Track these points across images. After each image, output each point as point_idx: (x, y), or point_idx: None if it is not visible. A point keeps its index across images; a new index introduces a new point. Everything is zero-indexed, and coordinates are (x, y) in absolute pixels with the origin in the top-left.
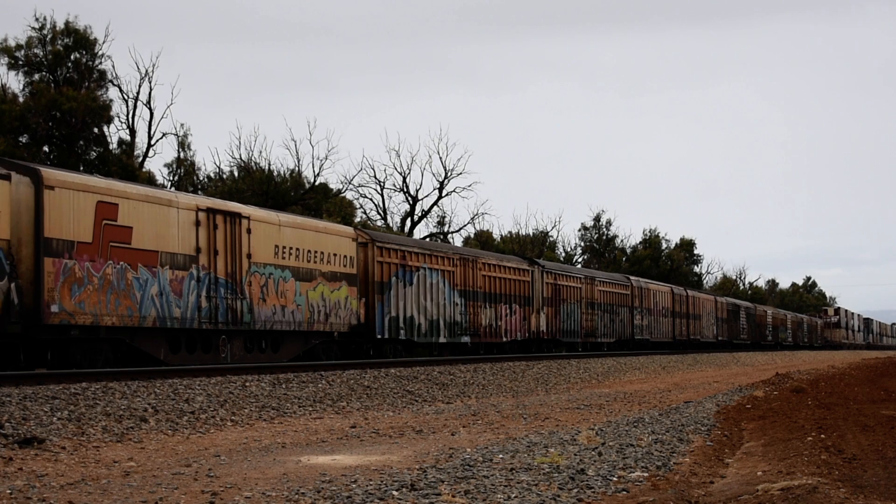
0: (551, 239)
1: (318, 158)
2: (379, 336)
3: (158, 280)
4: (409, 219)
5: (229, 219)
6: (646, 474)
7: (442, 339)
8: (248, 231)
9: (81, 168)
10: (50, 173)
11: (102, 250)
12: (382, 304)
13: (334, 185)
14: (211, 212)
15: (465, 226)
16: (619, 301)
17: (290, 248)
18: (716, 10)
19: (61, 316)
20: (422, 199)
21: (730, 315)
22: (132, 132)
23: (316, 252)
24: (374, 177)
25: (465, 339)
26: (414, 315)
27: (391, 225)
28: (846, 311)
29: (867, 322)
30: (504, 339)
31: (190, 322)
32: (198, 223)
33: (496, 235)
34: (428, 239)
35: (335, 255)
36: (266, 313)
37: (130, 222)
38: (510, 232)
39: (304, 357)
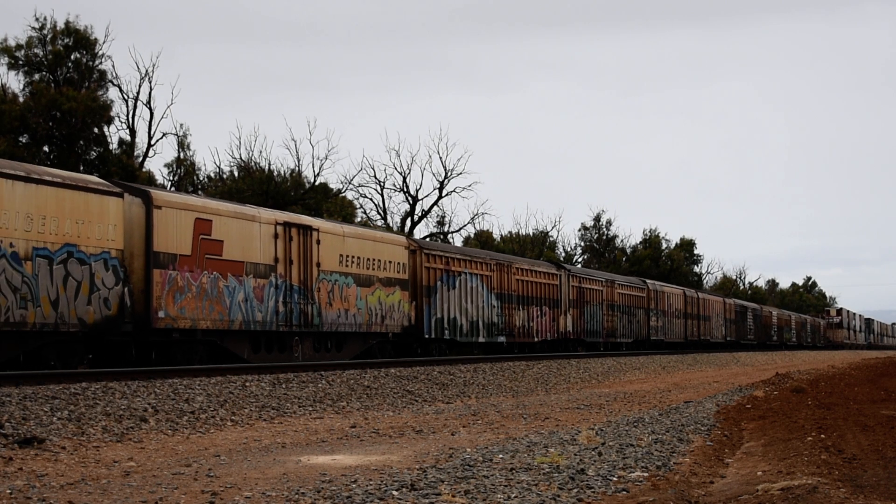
0: (551, 239)
1: (318, 158)
2: (427, 336)
3: (244, 288)
4: (409, 219)
5: (302, 231)
6: (646, 474)
7: (481, 339)
8: (318, 242)
9: (81, 168)
10: (158, 194)
11: (199, 262)
12: (429, 307)
13: (334, 185)
14: (287, 225)
15: (465, 226)
16: (636, 303)
17: (353, 257)
18: (715, 10)
19: (166, 321)
20: (422, 199)
21: (737, 316)
22: (132, 132)
23: (374, 260)
24: (374, 177)
25: (501, 339)
26: (456, 316)
27: (391, 225)
28: (848, 311)
29: (868, 322)
30: (535, 339)
31: (269, 325)
32: (276, 236)
33: (496, 235)
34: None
35: (390, 262)
36: (332, 316)
37: (222, 236)
38: (510, 232)
39: (363, 356)
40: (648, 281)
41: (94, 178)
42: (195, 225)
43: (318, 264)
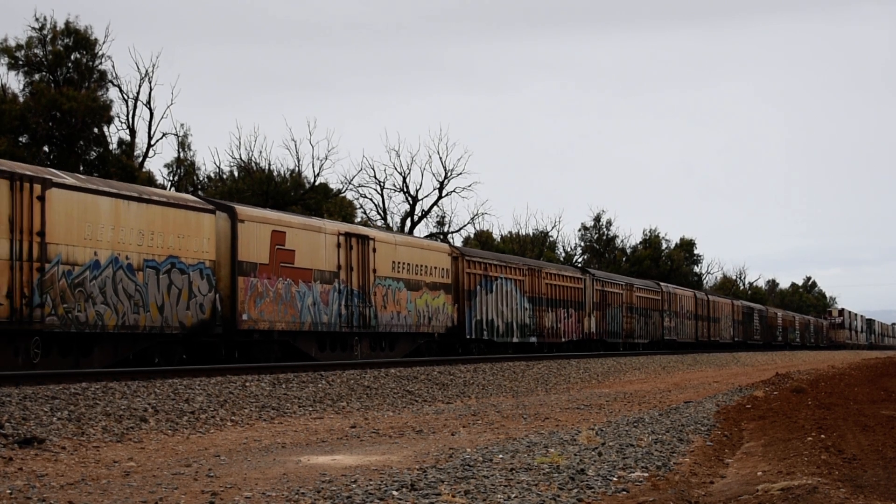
0: (551, 239)
1: (318, 158)
2: (468, 336)
3: (312, 292)
4: (409, 219)
5: (360, 241)
6: (646, 474)
7: (515, 340)
8: (374, 250)
9: (81, 168)
10: (241, 209)
11: (275, 269)
12: (470, 310)
13: (334, 185)
14: (348, 235)
15: (465, 226)
16: (652, 305)
17: (403, 264)
18: (715, 10)
19: (249, 323)
20: (422, 199)
21: (745, 317)
22: (132, 132)
23: (421, 266)
24: (374, 177)
25: (533, 339)
26: (494, 318)
27: (391, 225)
28: (850, 312)
29: (869, 323)
30: (563, 340)
31: (333, 326)
32: (339, 245)
33: (496, 235)
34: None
35: (435, 267)
36: (386, 318)
37: (294, 246)
38: (510, 232)
39: (412, 354)
40: (662, 284)
41: (192, 197)
42: (271, 236)
43: (375, 270)
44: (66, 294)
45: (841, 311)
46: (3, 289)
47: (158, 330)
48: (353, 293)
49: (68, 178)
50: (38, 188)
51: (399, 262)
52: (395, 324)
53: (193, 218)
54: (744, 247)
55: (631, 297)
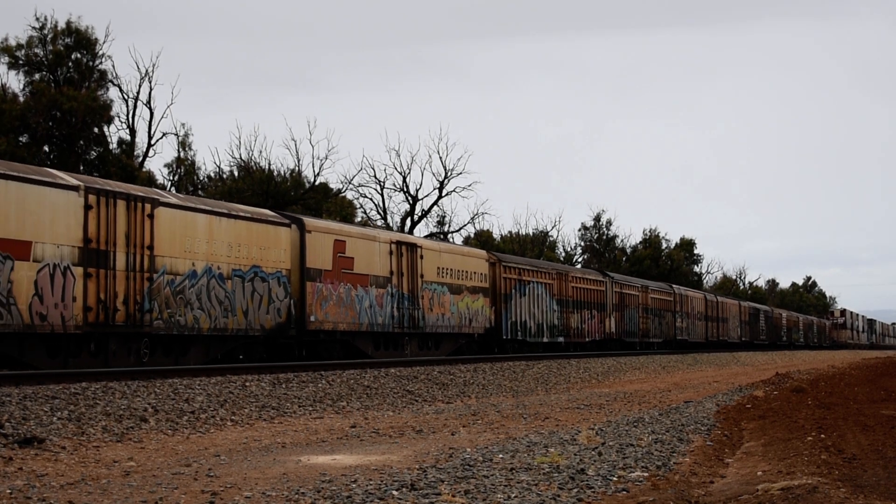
0: (551, 239)
1: (318, 158)
2: (504, 337)
3: (369, 296)
4: (409, 218)
5: (409, 248)
6: (646, 474)
7: (545, 340)
8: (421, 257)
9: (81, 168)
10: (309, 221)
11: (337, 275)
12: (506, 311)
13: (334, 185)
14: (399, 244)
15: (464, 225)
16: (665, 306)
17: (447, 269)
18: (713, 10)
19: (316, 324)
20: (422, 199)
21: (751, 318)
22: (132, 132)
23: (462, 271)
24: (374, 177)
25: (561, 339)
26: (527, 320)
27: (391, 225)
28: (851, 312)
29: (871, 323)
30: (586, 340)
31: (386, 327)
32: (391, 253)
33: (496, 235)
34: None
35: (475, 272)
36: (432, 319)
37: (353, 254)
38: (510, 232)
39: (455, 353)
40: (675, 286)
41: (270, 212)
42: (334, 245)
43: (422, 276)
44: (170, 300)
45: (843, 312)
46: (120, 296)
47: (244, 332)
48: (404, 297)
49: (171, 198)
50: (148, 207)
51: (443, 268)
52: (440, 325)
53: (272, 231)
54: (744, 247)
55: (646, 299)
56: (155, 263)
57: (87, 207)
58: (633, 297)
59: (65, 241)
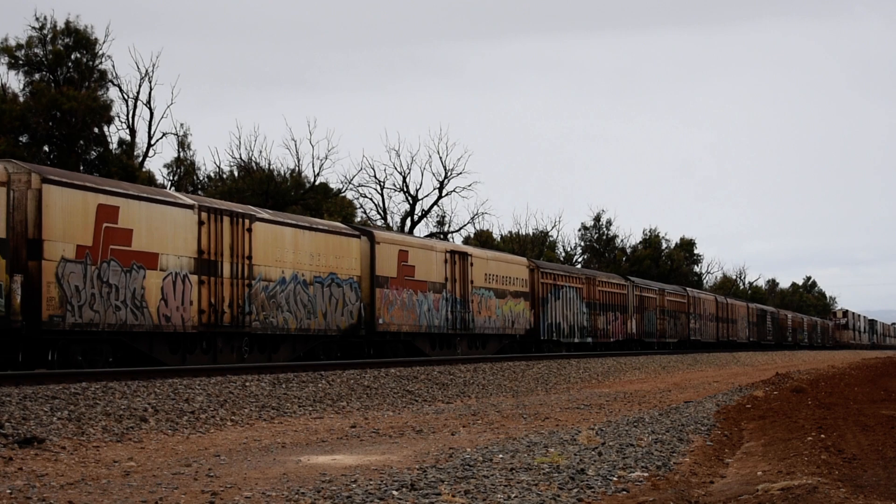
0: (551, 239)
1: (318, 158)
2: (542, 337)
3: (427, 301)
4: (409, 218)
5: (461, 257)
6: (646, 474)
7: (576, 340)
8: (471, 265)
9: (81, 168)
10: (378, 234)
11: (401, 282)
12: (543, 314)
13: (334, 185)
14: (452, 252)
15: (464, 225)
16: (680, 308)
17: (493, 275)
18: (713, 11)
19: (383, 326)
20: (422, 199)
21: (758, 319)
22: (132, 132)
23: (506, 277)
24: (374, 177)
25: (589, 339)
26: (560, 321)
27: (391, 225)
28: (853, 313)
29: (872, 323)
30: (611, 340)
31: (441, 329)
32: (445, 261)
33: (496, 235)
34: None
35: (516, 278)
36: (480, 322)
37: (414, 262)
38: (510, 232)
39: (500, 352)
40: (688, 289)
41: (344, 225)
42: (398, 255)
43: (472, 282)
44: (265, 304)
45: (845, 313)
46: (226, 300)
47: (323, 332)
48: (456, 301)
49: (265, 214)
50: (247, 222)
51: (490, 274)
52: (487, 326)
53: (346, 242)
54: (744, 247)
55: (663, 301)
56: (253, 271)
57: (200, 223)
58: (651, 299)
59: (183, 252)
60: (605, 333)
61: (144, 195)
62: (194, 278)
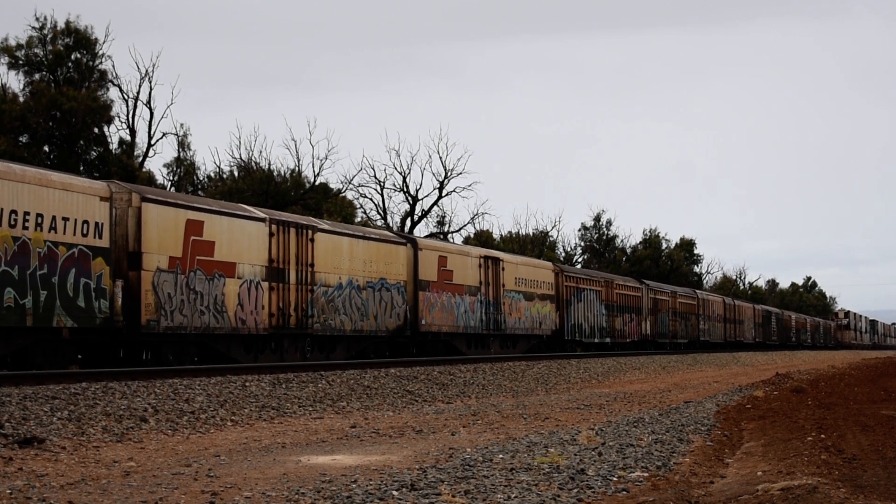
0: (551, 239)
1: (318, 158)
2: (567, 338)
3: (464, 303)
4: (409, 218)
5: (494, 262)
6: (646, 474)
7: (596, 340)
8: (503, 269)
9: (81, 168)
10: (421, 241)
11: (441, 286)
12: (567, 316)
13: (334, 185)
14: (486, 258)
15: (464, 226)
16: (690, 310)
17: (522, 279)
18: (713, 11)
19: (425, 327)
20: (422, 199)
21: (764, 320)
22: (132, 132)
23: (534, 280)
24: (374, 177)
25: (608, 339)
26: (582, 323)
27: (391, 225)
28: (855, 314)
29: (873, 324)
30: (627, 340)
31: (477, 329)
32: (480, 266)
33: (496, 235)
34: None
35: (543, 281)
36: (511, 323)
37: (452, 267)
38: (510, 232)
39: (528, 352)
40: (698, 291)
41: (391, 234)
42: (438, 260)
43: (503, 285)
44: (324, 307)
45: (847, 314)
46: (292, 304)
47: (374, 333)
48: (490, 303)
49: (325, 225)
50: (310, 233)
51: (519, 278)
52: (517, 327)
53: (393, 249)
54: (743, 247)
55: (675, 303)
56: (314, 278)
57: (271, 234)
58: (664, 301)
59: (256, 261)
60: (622, 334)
61: (225, 210)
62: (265, 285)
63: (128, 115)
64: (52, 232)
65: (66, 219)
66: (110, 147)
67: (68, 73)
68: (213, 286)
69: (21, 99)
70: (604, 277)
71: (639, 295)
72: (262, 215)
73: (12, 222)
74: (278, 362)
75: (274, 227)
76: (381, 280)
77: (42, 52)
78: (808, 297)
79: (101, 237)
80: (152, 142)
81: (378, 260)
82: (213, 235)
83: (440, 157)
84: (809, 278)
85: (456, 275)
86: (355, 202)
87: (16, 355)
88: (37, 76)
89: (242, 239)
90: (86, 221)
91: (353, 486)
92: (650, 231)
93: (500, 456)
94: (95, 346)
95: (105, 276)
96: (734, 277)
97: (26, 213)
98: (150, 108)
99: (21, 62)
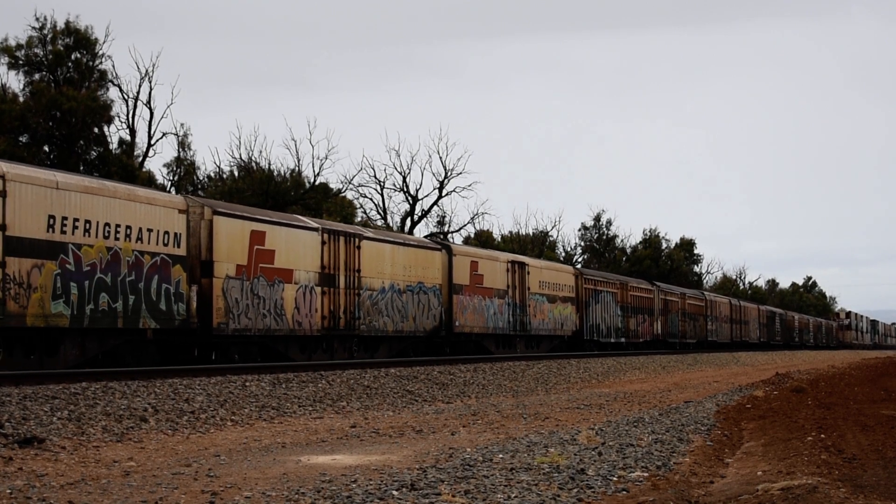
0: (551, 239)
1: (318, 158)
2: (586, 338)
3: (493, 305)
4: (409, 218)
5: (520, 266)
6: (646, 474)
7: (612, 340)
8: (528, 273)
9: (81, 168)
10: (454, 247)
11: (473, 289)
12: (586, 316)
13: (334, 185)
14: (513, 263)
15: (464, 225)
16: (698, 311)
17: (546, 282)
18: (713, 10)
19: (459, 328)
20: (422, 199)
21: (768, 320)
22: (132, 132)
23: (556, 283)
24: (374, 177)
25: (623, 339)
26: (599, 323)
27: (391, 225)
28: (856, 314)
29: (873, 324)
30: (640, 340)
31: (504, 330)
32: (508, 270)
33: (496, 235)
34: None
35: (564, 284)
36: (536, 324)
37: (483, 272)
38: (510, 232)
39: (552, 351)
40: (706, 292)
41: (428, 241)
42: (470, 265)
43: (528, 288)
44: (369, 310)
45: (848, 314)
46: (342, 307)
47: (413, 333)
48: (516, 305)
49: (370, 233)
50: (357, 241)
51: (543, 281)
52: (541, 328)
53: (430, 255)
54: (743, 247)
55: (684, 304)
56: (361, 282)
57: (323, 243)
58: (674, 302)
59: (310, 268)
60: (636, 334)
61: (284, 221)
62: (318, 290)
63: (128, 115)
64: (139, 242)
65: (150, 230)
66: (110, 147)
67: (68, 73)
68: (274, 291)
69: (21, 99)
70: (619, 280)
71: (651, 296)
72: (316, 225)
73: (106, 234)
74: (328, 360)
75: (325, 235)
76: (420, 284)
77: (42, 52)
78: (808, 297)
79: (179, 246)
80: (152, 142)
81: (416, 265)
82: (273, 245)
83: (440, 157)
84: (809, 278)
85: (486, 279)
86: (355, 202)
87: (107, 354)
88: (37, 76)
89: (298, 247)
90: (166, 232)
91: (353, 485)
92: (650, 231)
93: (500, 456)
94: (173, 346)
95: (182, 282)
96: (734, 277)
97: (118, 226)
98: (150, 108)
99: (21, 62)
